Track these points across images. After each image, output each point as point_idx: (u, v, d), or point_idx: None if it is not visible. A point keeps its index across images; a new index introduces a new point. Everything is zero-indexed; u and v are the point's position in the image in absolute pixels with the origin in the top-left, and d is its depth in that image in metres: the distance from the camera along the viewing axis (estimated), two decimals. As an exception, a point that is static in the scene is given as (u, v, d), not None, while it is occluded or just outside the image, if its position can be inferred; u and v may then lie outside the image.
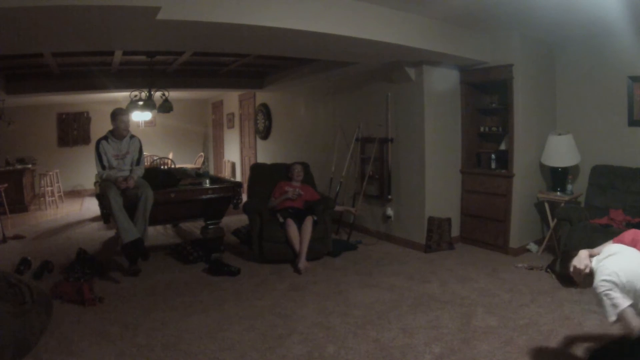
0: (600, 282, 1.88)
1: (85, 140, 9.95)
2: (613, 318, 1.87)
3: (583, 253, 2.05)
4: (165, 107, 6.07)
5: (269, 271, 4.17)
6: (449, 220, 4.78)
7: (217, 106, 10.84)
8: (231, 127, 10.00)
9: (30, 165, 8.34)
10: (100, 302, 3.40)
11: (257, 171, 5.11)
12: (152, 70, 5.85)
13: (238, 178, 9.44)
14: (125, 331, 2.92)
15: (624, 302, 1.83)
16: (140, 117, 7.24)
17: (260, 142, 8.70)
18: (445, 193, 4.87)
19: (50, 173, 8.42)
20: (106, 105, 7.33)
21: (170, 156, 8.93)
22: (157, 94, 6.10)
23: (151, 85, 5.98)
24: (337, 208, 5.04)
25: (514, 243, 4.51)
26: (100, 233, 5.87)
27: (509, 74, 4.37)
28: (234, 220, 5.84)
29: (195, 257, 4.46)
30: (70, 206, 8.32)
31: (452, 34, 4.07)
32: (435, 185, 4.76)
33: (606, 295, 1.86)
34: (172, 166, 7.27)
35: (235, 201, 4.53)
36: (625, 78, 4.16)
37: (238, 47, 4.10)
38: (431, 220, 4.71)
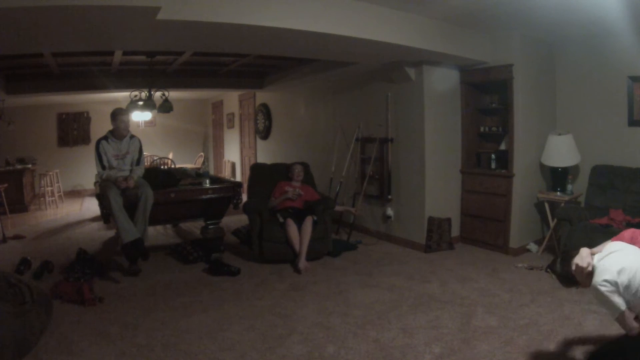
0: (602, 281, 1.89)
1: (85, 140, 9.95)
2: (614, 317, 1.90)
3: (585, 251, 2.06)
4: (165, 107, 6.07)
5: (269, 271, 4.17)
6: (449, 220, 4.78)
7: (217, 106, 10.84)
8: (231, 127, 10.00)
9: (30, 165, 8.34)
10: (100, 302, 3.40)
11: (257, 171, 5.11)
12: (152, 70, 5.84)
13: (238, 178, 9.44)
14: (125, 331, 2.92)
15: (621, 306, 1.87)
16: (140, 117, 7.24)
17: (260, 142, 8.70)
18: (445, 193, 4.87)
19: (50, 173, 8.42)
20: (106, 105, 7.33)
21: (170, 156, 8.93)
22: (157, 94, 6.10)
23: (151, 85, 5.98)
24: (337, 208, 5.04)
25: (514, 243, 4.51)
26: (100, 233, 5.87)
27: (509, 74, 4.37)
28: (234, 220, 5.84)
29: (195, 257, 4.46)
30: (70, 206, 8.32)
31: (452, 34, 4.07)
32: (435, 185, 4.76)
33: (606, 297, 1.88)
34: (172, 166, 7.27)
35: (235, 201, 4.53)
36: (625, 78, 4.15)
37: (238, 47, 4.10)
38: (431, 220, 4.71)
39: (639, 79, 4.08)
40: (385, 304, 3.33)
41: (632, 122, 4.17)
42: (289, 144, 7.49)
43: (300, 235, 4.28)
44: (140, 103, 6.03)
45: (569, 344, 2.62)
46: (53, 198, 8.38)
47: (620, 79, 4.19)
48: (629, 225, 3.62)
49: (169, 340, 2.80)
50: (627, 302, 1.88)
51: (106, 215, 4.10)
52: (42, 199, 8.29)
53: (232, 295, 3.59)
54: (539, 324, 2.89)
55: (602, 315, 2.84)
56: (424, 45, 3.84)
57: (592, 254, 2.05)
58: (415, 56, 4.32)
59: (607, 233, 3.38)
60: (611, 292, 1.86)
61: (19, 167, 7.94)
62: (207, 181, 4.62)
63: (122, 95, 7.28)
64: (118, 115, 4.12)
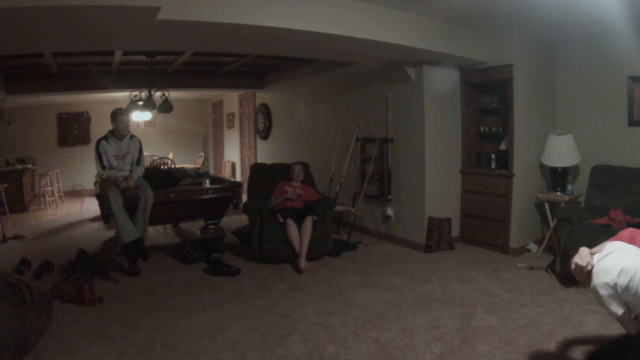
0: (602, 284, 1.89)
1: (85, 140, 9.95)
2: (613, 318, 1.92)
3: (584, 251, 2.06)
4: (165, 107, 6.07)
5: (269, 271, 4.17)
6: (449, 220, 4.78)
7: (217, 106, 10.84)
8: (231, 127, 10.01)
9: (30, 165, 8.34)
10: (100, 302, 3.40)
11: (257, 171, 5.11)
12: (152, 70, 5.85)
13: (238, 178, 9.44)
14: (125, 331, 2.92)
15: (619, 310, 1.89)
16: (140, 117, 7.24)
17: (260, 142, 8.70)
18: (445, 193, 4.87)
19: (50, 173, 8.42)
20: (106, 105, 7.33)
21: (170, 156, 8.93)
22: (157, 94, 6.10)
23: (151, 85, 5.99)
24: (337, 208, 5.04)
25: (514, 243, 4.51)
26: (100, 233, 5.87)
27: (509, 74, 4.37)
28: (234, 220, 5.84)
29: (195, 257, 4.46)
30: (70, 206, 8.32)
31: (452, 34, 4.07)
32: (435, 185, 4.76)
33: (606, 300, 1.89)
34: (172, 166, 7.27)
35: (235, 201, 4.53)
36: (625, 78, 4.15)
37: (238, 47, 4.10)
38: (431, 220, 4.71)
39: (639, 79, 4.08)
40: (385, 304, 3.33)
41: (632, 122, 4.17)
42: (289, 144, 7.49)
43: (300, 235, 4.28)
44: (140, 103, 6.03)
45: (569, 344, 2.62)
46: (53, 198, 8.38)
47: (620, 79, 4.19)
48: (629, 225, 3.62)
49: (169, 340, 2.80)
50: (627, 303, 1.88)
51: (106, 215, 4.10)
52: (42, 199, 8.29)
53: (232, 295, 3.59)
54: (539, 324, 2.89)
55: (602, 315, 2.84)
56: (424, 45, 3.84)
57: (592, 254, 2.05)
58: (415, 56, 4.32)
59: (607, 233, 3.38)
60: (610, 295, 1.87)
61: (19, 167, 7.94)
62: (207, 181, 4.62)
63: (122, 95, 7.29)
64: (118, 115, 4.12)
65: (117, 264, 4.34)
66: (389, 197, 5.12)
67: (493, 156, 4.73)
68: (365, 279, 3.91)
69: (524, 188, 4.54)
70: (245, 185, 5.21)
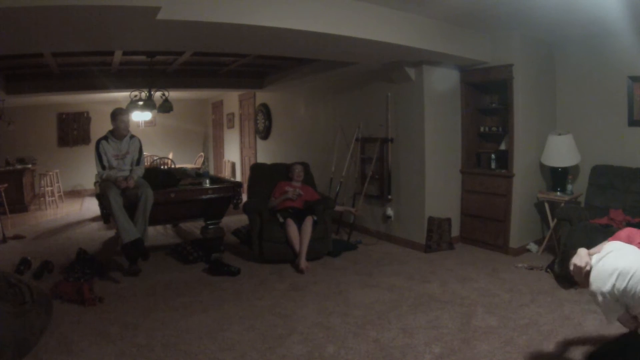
0: (600, 291, 1.89)
1: (85, 140, 9.95)
2: (611, 322, 1.94)
3: (582, 251, 2.06)
4: (165, 107, 6.07)
5: (269, 271, 4.17)
6: (449, 220, 4.78)
7: (217, 106, 10.84)
8: (231, 127, 10.01)
9: (30, 165, 8.34)
10: (100, 302, 3.40)
11: (257, 171, 5.11)
12: (152, 70, 5.85)
13: (238, 178, 9.44)
14: (125, 331, 2.92)
15: (618, 313, 1.89)
16: (140, 117, 7.24)
17: (260, 142, 8.70)
18: (445, 193, 4.87)
19: (50, 173, 8.42)
20: (106, 105, 7.34)
21: (170, 156, 8.94)
22: (157, 94, 6.10)
23: (151, 85, 5.99)
24: (337, 208, 5.04)
25: (514, 243, 4.51)
26: (100, 233, 5.87)
27: (509, 74, 4.37)
28: (234, 220, 5.85)
29: (195, 257, 4.46)
30: (70, 206, 8.32)
31: (452, 34, 4.07)
32: (435, 185, 4.76)
33: (604, 307, 1.91)
34: (172, 166, 7.27)
35: (235, 201, 4.53)
36: (625, 78, 4.15)
37: (238, 47, 4.10)
38: (431, 220, 4.71)
39: (639, 79, 4.08)
40: (385, 304, 3.33)
41: (632, 122, 4.17)
42: (289, 144, 7.49)
43: (300, 235, 4.28)
44: (140, 103, 6.03)
45: (569, 344, 2.62)
46: (53, 198, 8.38)
47: (620, 79, 4.19)
48: (629, 225, 3.62)
49: (169, 340, 2.80)
50: (625, 305, 1.88)
51: (106, 215, 4.10)
52: (42, 199, 8.29)
53: (232, 295, 3.59)
54: (539, 324, 2.89)
55: (602, 315, 2.82)
56: (424, 45, 3.84)
57: (590, 255, 2.05)
58: (415, 56, 4.32)
59: (607, 233, 3.37)
60: (608, 301, 1.88)
61: (19, 167, 7.94)
62: (207, 181, 4.61)
63: (122, 95, 7.29)
64: (118, 115, 4.12)
65: (117, 264, 4.34)
66: (389, 197, 5.12)
67: (493, 156, 4.73)
68: (365, 279, 3.91)
69: (524, 188, 4.54)
70: (245, 185, 5.21)
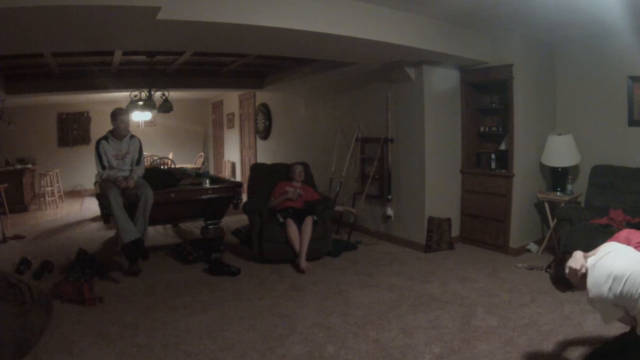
0: (597, 298, 1.89)
1: (85, 140, 9.95)
2: (607, 324, 1.96)
3: (578, 254, 2.06)
4: (165, 107, 6.07)
5: (269, 271, 4.17)
6: (449, 220, 4.78)
7: (217, 106, 10.84)
8: (231, 127, 10.01)
9: (30, 165, 8.34)
10: (100, 302, 3.40)
11: (257, 171, 5.11)
12: (152, 70, 5.85)
13: (238, 178, 9.44)
14: (125, 331, 2.92)
15: (615, 316, 1.91)
16: (140, 117, 7.24)
17: (260, 142, 8.70)
18: (445, 193, 4.87)
19: (50, 173, 8.42)
20: (106, 105, 7.33)
21: (170, 156, 8.93)
22: (157, 94, 6.10)
23: (151, 85, 5.99)
24: (337, 208, 5.04)
25: (514, 243, 4.51)
26: (100, 233, 5.87)
27: (509, 74, 4.37)
28: (234, 220, 5.85)
29: (195, 257, 4.46)
30: (70, 206, 8.32)
31: (452, 34, 4.07)
32: (435, 185, 4.76)
33: (602, 312, 1.92)
34: (172, 166, 7.27)
35: (235, 201, 4.53)
36: (625, 78, 4.15)
37: (238, 47, 4.10)
38: (431, 220, 4.71)
39: (639, 79, 4.08)
40: (385, 304, 3.33)
41: (632, 122, 4.17)
42: (289, 144, 7.49)
43: (301, 235, 4.28)
44: (140, 103, 6.03)
45: (568, 344, 2.62)
46: (53, 198, 8.38)
47: (620, 79, 4.19)
48: (629, 225, 3.63)
49: (169, 340, 2.80)
50: (623, 307, 1.88)
51: (106, 215, 4.10)
52: (42, 199, 8.29)
53: (232, 295, 3.59)
54: (539, 324, 2.89)
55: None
56: (424, 45, 3.84)
57: (586, 257, 2.05)
58: (415, 56, 4.32)
59: (607, 233, 3.38)
60: (606, 306, 1.88)
61: (19, 167, 7.94)
62: (207, 181, 4.62)
63: (122, 95, 7.29)
64: (118, 115, 4.12)
65: (117, 264, 4.34)
66: (389, 197, 5.12)
67: (493, 156, 4.73)
68: (365, 279, 3.91)
69: (524, 188, 4.54)
70: (245, 185, 5.21)
